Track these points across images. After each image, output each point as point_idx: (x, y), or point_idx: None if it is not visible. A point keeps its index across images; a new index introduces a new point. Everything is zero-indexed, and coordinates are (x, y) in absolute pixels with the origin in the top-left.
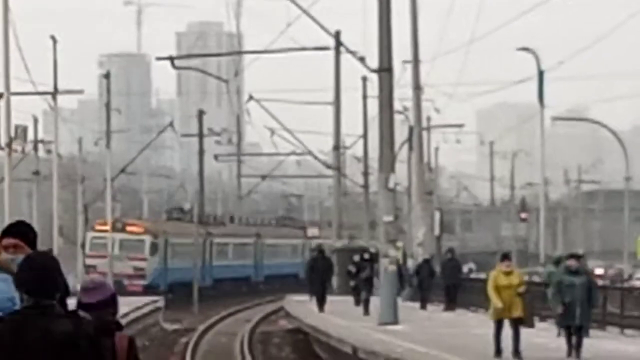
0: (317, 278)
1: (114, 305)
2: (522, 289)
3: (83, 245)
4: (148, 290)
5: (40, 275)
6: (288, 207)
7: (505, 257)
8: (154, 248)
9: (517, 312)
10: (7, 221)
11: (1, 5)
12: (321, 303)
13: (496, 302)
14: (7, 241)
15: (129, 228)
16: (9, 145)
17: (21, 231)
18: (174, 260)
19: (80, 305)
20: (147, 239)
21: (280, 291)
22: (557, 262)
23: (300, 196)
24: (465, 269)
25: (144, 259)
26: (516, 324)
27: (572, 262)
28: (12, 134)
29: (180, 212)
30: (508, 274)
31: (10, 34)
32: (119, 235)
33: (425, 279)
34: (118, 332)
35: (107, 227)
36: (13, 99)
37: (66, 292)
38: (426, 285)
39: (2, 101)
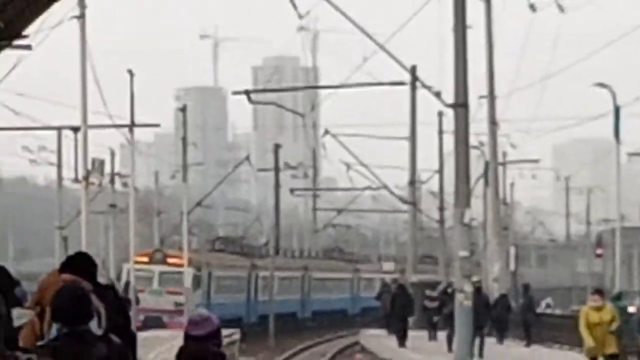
0: (397, 313)
1: (219, 337)
2: (614, 326)
3: (119, 278)
4: None
5: (71, 304)
6: (337, 239)
7: (596, 292)
8: (196, 281)
9: (611, 349)
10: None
11: (79, 39)
12: (402, 338)
13: (587, 341)
14: (65, 276)
15: (170, 260)
16: (86, 178)
17: (79, 265)
18: (218, 295)
19: (188, 337)
20: (189, 271)
21: (328, 329)
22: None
23: (349, 227)
24: (542, 304)
25: None
26: None
27: None
28: (90, 167)
29: (225, 241)
30: (598, 310)
31: (87, 67)
32: (159, 268)
33: (501, 314)
34: None
35: (146, 259)
36: (90, 132)
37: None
38: (502, 320)
39: (79, 134)
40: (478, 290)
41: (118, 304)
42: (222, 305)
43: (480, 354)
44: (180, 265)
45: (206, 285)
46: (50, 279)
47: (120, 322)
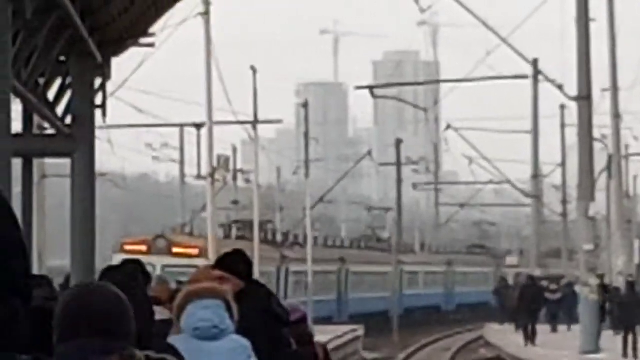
0: (525, 307)
1: (307, 321)
2: None
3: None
4: None
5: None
6: (371, 226)
7: None
8: None
9: None
10: (210, 250)
11: (204, 37)
12: (528, 334)
13: None
14: (215, 273)
15: (176, 249)
16: (211, 175)
17: (229, 263)
18: None
19: (287, 323)
20: (203, 264)
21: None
22: None
23: (388, 209)
24: None
25: None
26: None
27: None
28: (215, 163)
29: (245, 226)
30: None
31: (212, 64)
32: (161, 260)
33: None
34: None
35: (143, 247)
36: (214, 129)
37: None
38: None
39: (203, 131)
40: (631, 285)
41: (263, 304)
42: None
43: (635, 355)
44: (191, 257)
45: None
46: (199, 276)
47: (263, 323)
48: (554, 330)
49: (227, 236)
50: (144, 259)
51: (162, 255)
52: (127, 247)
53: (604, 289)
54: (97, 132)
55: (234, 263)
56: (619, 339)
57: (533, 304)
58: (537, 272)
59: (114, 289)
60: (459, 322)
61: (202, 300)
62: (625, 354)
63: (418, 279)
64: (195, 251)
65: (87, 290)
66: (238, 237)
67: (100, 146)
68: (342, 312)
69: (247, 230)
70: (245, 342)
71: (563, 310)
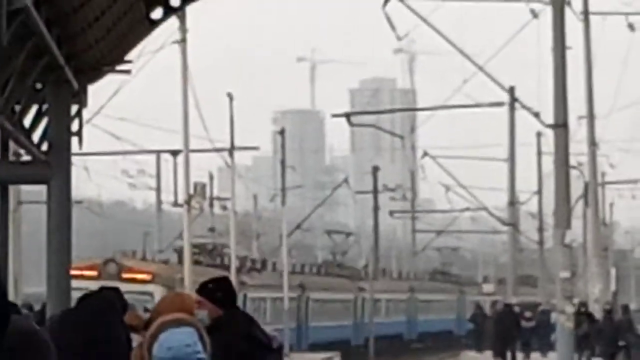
0: (502, 335)
1: (282, 351)
2: None
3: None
4: None
5: None
6: (333, 251)
7: None
8: None
9: None
10: (186, 278)
11: (180, 64)
12: None
13: None
14: (194, 297)
15: (127, 274)
16: (188, 202)
17: (207, 289)
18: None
19: (265, 347)
20: (157, 291)
21: None
22: None
23: (349, 234)
24: None
25: None
26: None
27: None
28: (192, 190)
29: (200, 250)
30: None
31: (189, 92)
32: (112, 285)
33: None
34: None
35: (92, 273)
36: (191, 156)
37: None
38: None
39: (179, 158)
40: (609, 312)
41: (245, 330)
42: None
43: None
44: (144, 282)
45: None
46: (168, 304)
47: (244, 348)
48: (527, 357)
49: (181, 261)
50: (93, 284)
51: (113, 280)
52: (76, 272)
53: (588, 317)
54: (74, 159)
55: (213, 290)
56: None
57: (509, 331)
58: (514, 300)
59: (28, 323)
60: (422, 350)
61: (175, 328)
62: None
63: (380, 306)
64: (147, 276)
65: None
66: (193, 262)
67: (76, 173)
68: (302, 341)
69: (202, 255)
70: None
71: (537, 337)
